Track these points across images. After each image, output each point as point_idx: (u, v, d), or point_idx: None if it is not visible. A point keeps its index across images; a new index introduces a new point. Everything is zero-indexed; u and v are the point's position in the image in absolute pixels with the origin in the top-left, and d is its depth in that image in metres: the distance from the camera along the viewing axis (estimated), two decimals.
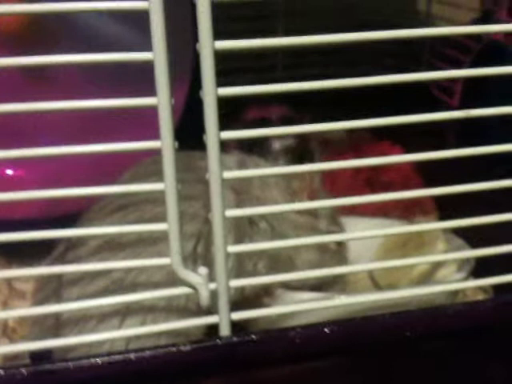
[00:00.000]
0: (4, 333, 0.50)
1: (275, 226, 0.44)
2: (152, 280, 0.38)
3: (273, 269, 0.43)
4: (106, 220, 0.40)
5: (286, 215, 0.44)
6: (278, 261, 0.43)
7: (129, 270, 0.38)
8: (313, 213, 0.45)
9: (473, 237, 0.44)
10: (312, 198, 0.44)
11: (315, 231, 0.45)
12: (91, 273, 0.38)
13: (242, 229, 0.42)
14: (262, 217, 0.43)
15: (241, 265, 0.41)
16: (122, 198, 0.40)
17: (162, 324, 0.34)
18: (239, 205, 0.41)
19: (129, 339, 0.38)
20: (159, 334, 0.35)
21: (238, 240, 0.41)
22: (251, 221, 0.43)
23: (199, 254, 0.40)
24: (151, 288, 0.37)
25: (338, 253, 0.47)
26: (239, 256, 0.41)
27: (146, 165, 0.42)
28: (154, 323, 0.37)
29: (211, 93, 0.28)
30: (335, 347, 0.34)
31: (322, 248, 0.45)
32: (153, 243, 0.38)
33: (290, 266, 0.44)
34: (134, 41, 0.52)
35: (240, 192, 0.43)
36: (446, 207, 0.53)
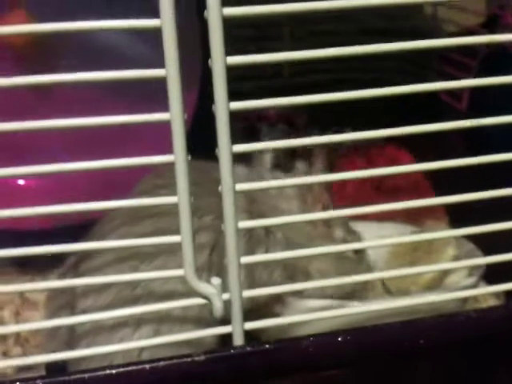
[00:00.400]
0: (17, 342, 0.51)
1: (291, 237, 0.44)
2: (166, 289, 0.39)
3: (289, 278, 0.43)
4: (118, 231, 0.40)
5: (300, 226, 0.44)
6: (293, 270, 0.44)
7: (142, 280, 0.39)
8: (327, 223, 0.45)
9: (483, 240, 0.44)
10: (325, 208, 0.44)
11: (331, 241, 0.45)
12: (101, 284, 0.38)
13: (256, 238, 0.42)
14: (279, 227, 0.43)
15: (256, 273, 0.42)
16: (134, 208, 0.40)
17: (176, 334, 0.34)
18: (253, 213, 0.42)
19: (142, 348, 0.38)
20: (173, 343, 0.36)
21: (251, 249, 0.41)
22: (268, 230, 0.43)
23: (214, 263, 0.40)
24: (165, 297, 0.37)
25: (357, 261, 0.47)
26: (255, 265, 0.41)
27: (160, 176, 0.42)
28: (168, 332, 0.38)
29: (223, 107, 0.28)
30: (348, 356, 0.34)
31: (339, 257, 0.45)
32: (167, 253, 0.39)
33: (306, 276, 0.44)
34: (141, 50, 0.52)
35: (257, 201, 0.43)
36: (455, 210, 0.53)
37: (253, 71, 0.63)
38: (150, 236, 0.34)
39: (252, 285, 0.40)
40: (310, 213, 0.43)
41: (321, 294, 0.42)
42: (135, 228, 0.40)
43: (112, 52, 0.53)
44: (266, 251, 0.42)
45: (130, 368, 0.32)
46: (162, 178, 0.41)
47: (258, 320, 0.34)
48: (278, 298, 0.43)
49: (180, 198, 0.30)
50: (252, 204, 0.43)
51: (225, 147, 0.29)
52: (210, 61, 0.28)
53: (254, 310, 0.41)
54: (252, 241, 0.42)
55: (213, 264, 0.40)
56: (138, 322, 0.39)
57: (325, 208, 0.44)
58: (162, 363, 0.32)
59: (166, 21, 0.26)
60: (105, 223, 0.42)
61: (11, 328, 0.42)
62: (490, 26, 0.57)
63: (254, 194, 0.44)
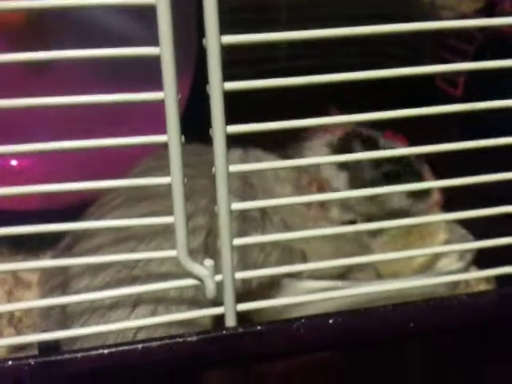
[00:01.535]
0: (10, 323, 0.51)
1: (287, 220, 0.44)
2: (163, 270, 0.39)
3: (286, 261, 0.43)
4: (115, 213, 0.40)
5: (296, 209, 0.44)
6: (290, 253, 0.44)
7: (137, 261, 0.39)
8: (323, 203, 0.45)
9: (474, 225, 0.44)
10: (320, 190, 0.44)
11: (326, 221, 0.45)
12: (98, 264, 0.38)
13: (252, 221, 0.42)
14: (275, 210, 0.43)
15: (252, 256, 0.42)
16: (130, 191, 0.40)
17: (169, 315, 0.34)
18: (247, 197, 0.42)
19: (138, 328, 0.38)
20: (169, 324, 0.36)
21: (243, 232, 0.41)
22: (263, 213, 0.43)
23: (210, 246, 0.40)
24: (160, 278, 0.37)
25: (356, 240, 0.47)
26: (250, 248, 0.41)
27: (157, 158, 0.42)
28: (165, 313, 0.38)
29: (218, 87, 0.28)
30: (339, 338, 0.34)
31: (335, 237, 0.45)
32: (163, 235, 0.39)
33: (302, 257, 0.44)
34: (135, 31, 0.52)
35: (253, 185, 0.43)
36: (448, 197, 0.53)
37: (249, 56, 0.63)
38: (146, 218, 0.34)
39: (247, 267, 0.40)
40: (304, 195, 0.43)
41: (318, 274, 0.43)
42: (132, 210, 0.40)
43: (107, 31, 0.52)
44: (262, 234, 0.42)
45: (122, 348, 0.32)
46: (159, 161, 0.41)
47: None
48: (275, 281, 0.43)
49: (173, 178, 0.30)
50: (247, 188, 0.43)
51: (219, 128, 0.29)
52: (204, 40, 0.28)
53: (250, 293, 0.41)
54: (246, 223, 0.42)
55: (209, 247, 0.40)
56: (134, 303, 0.39)
57: (320, 189, 0.44)
58: (154, 343, 0.32)
59: None
60: (101, 205, 0.42)
61: (5, 307, 0.41)
62: (487, 12, 0.57)
63: (250, 178, 0.44)
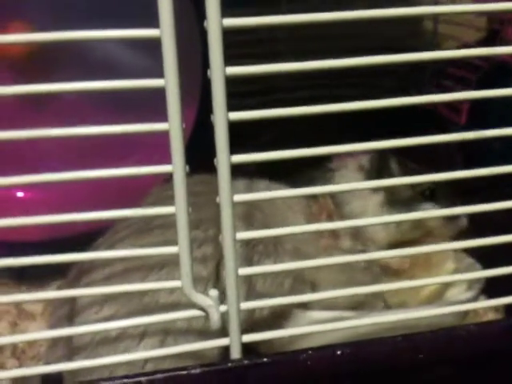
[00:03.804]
0: (13, 354, 0.50)
1: (300, 248, 0.43)
2: (171, 299, 0.38)
3: (298, 291, 0.42)
4: (124, 243, 0.40)
5: (308, 237, 0.44)
6: (302, 283, 0.43)
7: (144, 293, 0.38)
8: (334, 232, 0.45)
9: (482, 254, 0.43)
10: (330, 218, 0.44)
11: (337, 251, 0.45)
12: (105, 296, 0.38)
13: (263, 247, 0.42)
14: (287, 238, 0.43)
15: (266, 285, 0.41)
16: (142, 220, 0.40)
17: (175, 347, 0.34)
18: (258, 225, 0.41)
19: (146, 360, 0.38)
20: (177, 354, 0.35)
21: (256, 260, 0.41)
22: (276, 241, 0.43)
23: (220, 274, 0.40)
24: (170, 308, 0.37)
25: (369, 270, 0.46)
26: (263, 276, 0.41)
27: (166, 189, 0.42)
28: (174, 344, 0.37)
29: (222, 118, 0.28)
30: (347, 369, 0.33)
31: (347, 267, 0.45)
32: (173, 264, 0.38)
33: (313, 287, 0.44)
34: (139, 62, 0.52)
35: (266, 214, 0.43)
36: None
37: (254, 87, 0.64)
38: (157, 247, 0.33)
39: (258, 297, 0.40)
40: (314, 223, 0.43)
41: (330, 304, 0.42)
42: (143, 239, 0.40)
43: (111, 63, 0.53)
44: (275, 262, 0.42)
45: (125, 380, 0.32)
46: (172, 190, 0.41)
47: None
48: (286, 311, 0.42)
49: (178, 208, 0.30)
50: (260, 216, 0.43)
51: (223, 158, 0.29)
52: (208, 71, 0.28)
53: (262, 322, 0.40)
54: (259, 251, 0.42)
55: (219, 276, 0.40)
56: (142, 334, 0.38)
57: (329, 217, 0.44)
58: (158, 376, 0.32)
59: (165, 30, 0.26)
60: (112, 234, 0.41)
61: (9, 339, 0.41)
62: (490, 42, 0.57)
63: (263, 207, 0.44)
